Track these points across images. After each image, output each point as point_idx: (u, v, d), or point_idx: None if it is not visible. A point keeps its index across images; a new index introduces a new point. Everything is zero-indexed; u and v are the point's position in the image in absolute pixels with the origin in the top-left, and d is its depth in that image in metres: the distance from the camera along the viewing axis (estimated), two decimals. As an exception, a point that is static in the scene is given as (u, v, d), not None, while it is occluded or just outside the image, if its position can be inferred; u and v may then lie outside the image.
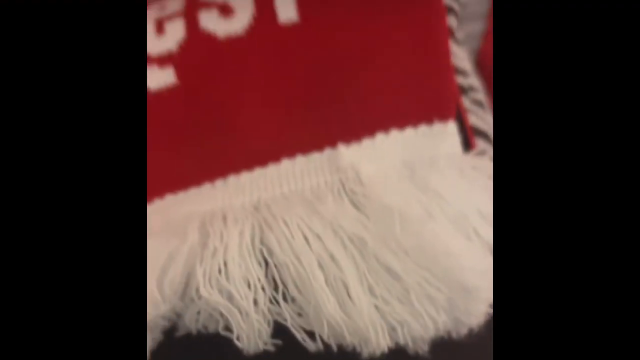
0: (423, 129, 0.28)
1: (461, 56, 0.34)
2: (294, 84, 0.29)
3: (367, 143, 0.28)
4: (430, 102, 0.29)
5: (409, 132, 0.28)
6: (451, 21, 0.33)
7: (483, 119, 0.33)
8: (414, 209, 0.26)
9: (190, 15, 0.30)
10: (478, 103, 0.34)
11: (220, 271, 0.26)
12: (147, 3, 0.32)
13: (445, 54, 0.30)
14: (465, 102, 0.33)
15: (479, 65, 0.40)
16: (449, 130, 0.29)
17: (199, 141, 0.29)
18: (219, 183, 0.29)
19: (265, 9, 0.29)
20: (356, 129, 0.28)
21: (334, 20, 0.29)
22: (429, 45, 0.29)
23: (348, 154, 0.28)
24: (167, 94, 0.30)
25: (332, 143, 0.28)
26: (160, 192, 0.29)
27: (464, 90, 0.33)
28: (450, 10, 0.34)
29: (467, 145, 0.30)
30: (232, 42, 0.29)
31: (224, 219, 0.27)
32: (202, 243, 0.27)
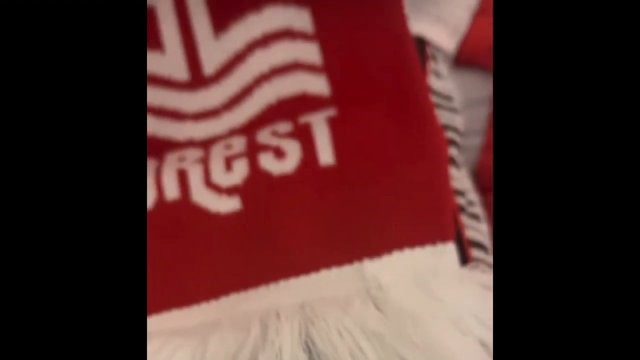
0: (429, 248, 0.36)
1: (461, 177, 0.42)
2: (330, 213, 0.37)
3: (386, 259, 0.36)
4: (434, 228, 0.37)
5: (418, 250, 0.36)
6: (452, 151, 0.42)
7: (479, 231, 0.41)
8: (423, 311, 0.34)
9: (251, 156, 0.39)
10: (474, 217, 0.42)
11: (276, 357, 0.35)
12: (214, 142, 0.41)
13: (446, 184, 0.39)
14: (463, 218, 0.41)
15: (476, 175, 0.48)
16: (448, 249, 0.37)
17: (257, 253, 0.38)
18: (272, 286, 0.37)
19: (309, 154, 0.38)
20: (378, 248, 0.36)
21: (362, 167, 0.38)
22: (432, 181, 0.38)
23: (371, 267, 0.36)
24: (234, 216, 0.38)
25: (359, 258, 0.36)
26: (227, 291, 0.38)
27: (462, 208, 0.41)
28: (452, 142, 0.43)
29: (465, 257, 0.39)
30: (284, 179, 0.38)
31: (278, 316, 0.35)
32: (262, 335, 0.35)
